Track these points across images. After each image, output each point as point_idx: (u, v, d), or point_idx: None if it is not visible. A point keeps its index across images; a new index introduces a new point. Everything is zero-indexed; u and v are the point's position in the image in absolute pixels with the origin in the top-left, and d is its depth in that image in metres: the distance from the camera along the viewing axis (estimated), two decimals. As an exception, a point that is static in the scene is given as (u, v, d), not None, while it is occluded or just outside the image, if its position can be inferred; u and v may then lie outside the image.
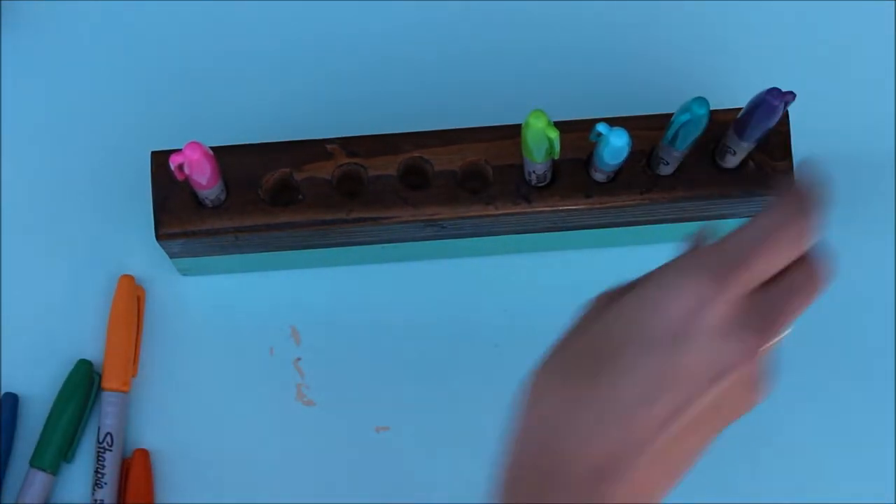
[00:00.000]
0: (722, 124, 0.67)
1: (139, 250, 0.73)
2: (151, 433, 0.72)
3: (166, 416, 0.72)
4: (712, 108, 0.67)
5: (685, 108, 0.62)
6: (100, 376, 0.72)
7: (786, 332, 0.55)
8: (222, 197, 0.67)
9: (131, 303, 0.72)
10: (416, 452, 0.72)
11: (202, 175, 0.63)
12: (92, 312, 0.73)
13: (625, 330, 0.52)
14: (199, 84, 0.75)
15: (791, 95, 0.61)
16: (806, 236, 0.53)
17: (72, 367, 0.72)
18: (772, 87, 0.61)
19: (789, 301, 0.53)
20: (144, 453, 0.71)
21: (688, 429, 0.52)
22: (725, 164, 0.67)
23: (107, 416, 0.71)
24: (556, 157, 0.64)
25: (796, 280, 0.54)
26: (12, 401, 0.71)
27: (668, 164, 0.66)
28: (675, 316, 0.51)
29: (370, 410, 0.72)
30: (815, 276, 0.54)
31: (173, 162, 0.62)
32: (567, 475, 0.52)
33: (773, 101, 0.61)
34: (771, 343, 0.53)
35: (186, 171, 0.62)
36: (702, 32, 0.75)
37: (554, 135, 0.61)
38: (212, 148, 0.67)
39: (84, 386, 0.71)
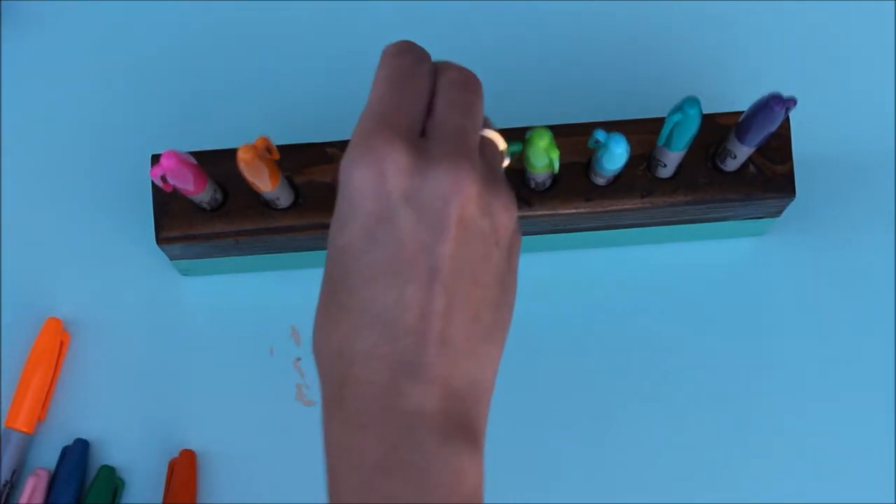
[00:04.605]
0: (723, 128, 0.67)
1: (138, 251, 0.73)
2: (152, 434, 0.72)
3: (166, 416, 0.72)
4: (714, 111, 0.67)
5: (677, 108, 0.62)
6: (123, 482, 0.72)
7: (496, 139, 0.55)
8: (218, 198, 0.67)
9: (53, 346, 0.71)
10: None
11: (185, 182, 0.63)
12: (89, 312, 0.73)
13: (340, 235, 0.52)
14: (200, 87, 0.75)
15: (792, 101, 0.60)
16: (410, 59, 0.53)
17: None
18: (774, 92, 0.61)
19: (455, 106, 0.53)
20: (190, 454, 0.71)
21: (463, 280, 0.51)
22: (726, 167, 0.67)
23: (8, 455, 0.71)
24: (556, 173, 0.64)
25: (446, 91, 0.53)
26: None
27: (665, 166, 0.66)
28: (369, 202, 0.50)
29: (370, 411, 0.72)
30: (458, 78, 0.54)
31: (154, 175, 0.61)
32: (356, 379, 0.51)
33: (775, 107, 0.60)
34: (481, 152, 0.53)
35: (170, 180, 0.62)
36: (703, 36, 0.75)
37: (555, 154, 0.61)
38: (212, 151, 0.67)
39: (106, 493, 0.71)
